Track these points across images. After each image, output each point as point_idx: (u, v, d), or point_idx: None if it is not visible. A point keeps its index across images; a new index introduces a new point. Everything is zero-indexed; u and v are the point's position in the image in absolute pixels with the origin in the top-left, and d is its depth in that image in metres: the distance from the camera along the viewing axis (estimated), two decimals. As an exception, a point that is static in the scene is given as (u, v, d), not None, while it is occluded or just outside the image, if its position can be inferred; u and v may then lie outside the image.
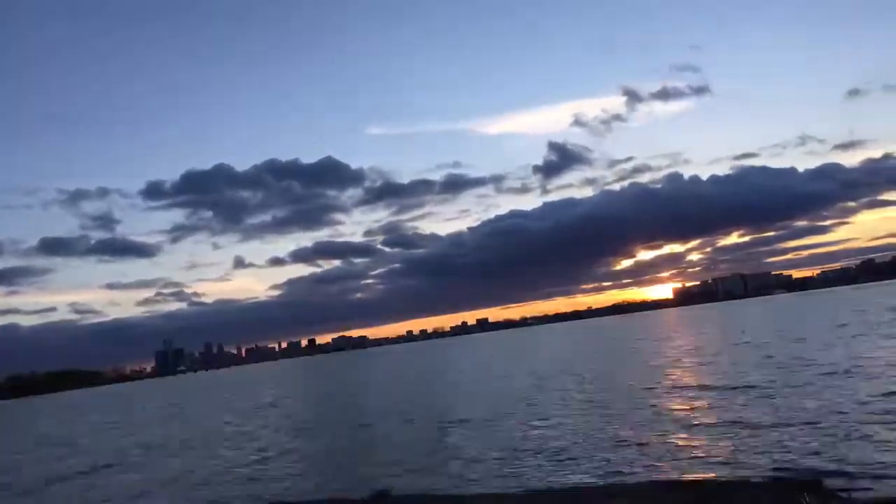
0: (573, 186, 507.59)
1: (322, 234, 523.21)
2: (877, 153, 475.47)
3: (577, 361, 43.61)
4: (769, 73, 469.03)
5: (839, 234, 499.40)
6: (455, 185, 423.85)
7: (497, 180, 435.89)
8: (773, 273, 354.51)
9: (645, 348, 48.31)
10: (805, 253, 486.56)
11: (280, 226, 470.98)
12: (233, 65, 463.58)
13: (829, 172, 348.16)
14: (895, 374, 19.55)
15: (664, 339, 57.12)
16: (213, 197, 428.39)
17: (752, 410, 16.72)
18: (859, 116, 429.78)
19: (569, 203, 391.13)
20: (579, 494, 10.97)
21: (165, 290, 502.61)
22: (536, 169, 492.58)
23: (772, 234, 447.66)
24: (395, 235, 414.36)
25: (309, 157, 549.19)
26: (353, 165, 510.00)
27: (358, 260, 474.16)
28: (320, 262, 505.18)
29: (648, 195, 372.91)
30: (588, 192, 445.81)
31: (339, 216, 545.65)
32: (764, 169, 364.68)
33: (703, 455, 12.92)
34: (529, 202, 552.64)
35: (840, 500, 9.10)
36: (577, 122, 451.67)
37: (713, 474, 11.44)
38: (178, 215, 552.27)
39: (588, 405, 21.42)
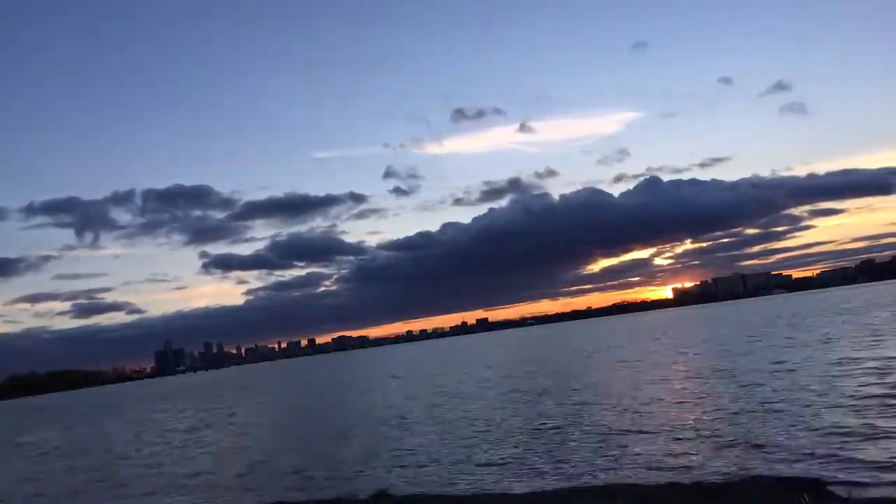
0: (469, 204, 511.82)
1: (225, 248, 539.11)
2: (743, 172, 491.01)
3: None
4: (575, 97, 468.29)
5: (803, 239, 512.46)
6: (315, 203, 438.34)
7: (357, 199, 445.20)
8: (773, 273, 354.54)
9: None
10: (773, 258, 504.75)
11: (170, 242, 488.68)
12: (95, 89, 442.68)
13: (744, 185, 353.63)
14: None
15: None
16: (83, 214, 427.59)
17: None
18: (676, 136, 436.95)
19: (492, 215, 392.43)
20: (579, 494, 10.98)
21: (84, 301, 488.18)
22: (391, 191, 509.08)
23: (726, 241, 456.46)
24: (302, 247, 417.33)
25: (184, 181, 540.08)
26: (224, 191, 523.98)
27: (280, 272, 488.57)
28: (236, 273, 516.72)
29: (574, 207, 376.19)
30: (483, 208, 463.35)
31: (237, 233, 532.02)
32: (677, 182, 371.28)
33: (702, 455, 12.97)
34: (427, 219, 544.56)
35: (840, 500, 9.09)
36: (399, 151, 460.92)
37: (713, 474, 11.47)
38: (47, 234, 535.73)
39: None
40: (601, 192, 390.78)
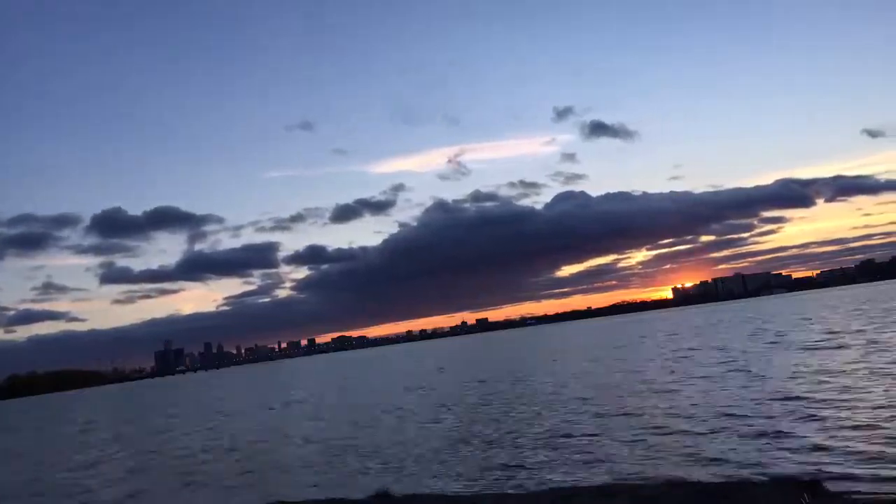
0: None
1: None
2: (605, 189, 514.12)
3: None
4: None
5: (772, 243, 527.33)
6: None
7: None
8: (773, 273, 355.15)
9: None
10: (749, 260, 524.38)
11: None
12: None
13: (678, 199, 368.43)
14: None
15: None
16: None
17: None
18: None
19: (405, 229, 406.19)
20: (579, 494, 10.97)
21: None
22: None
23: (683, 247, 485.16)
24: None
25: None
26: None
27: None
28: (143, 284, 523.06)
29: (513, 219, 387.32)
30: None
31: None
32: (607, 196, 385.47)
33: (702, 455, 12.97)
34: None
35: (840, 500, 9.10)
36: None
37: (713, 474, 11.47)
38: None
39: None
40: (515, 204, 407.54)
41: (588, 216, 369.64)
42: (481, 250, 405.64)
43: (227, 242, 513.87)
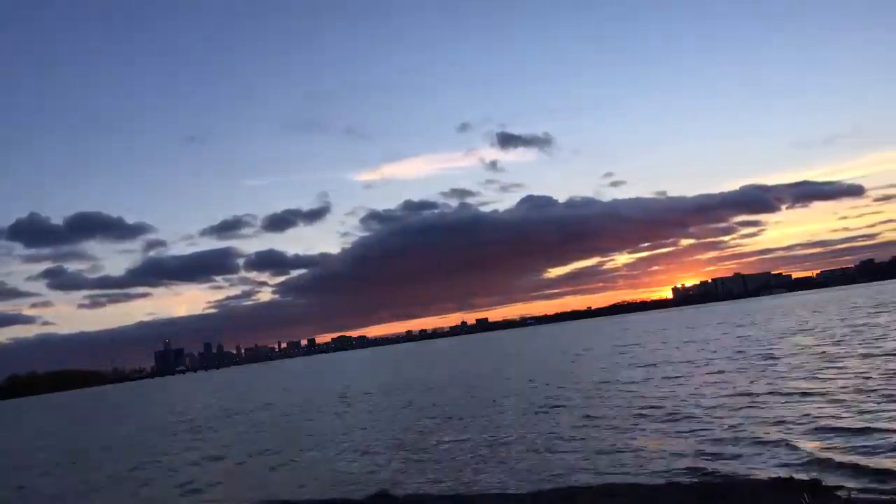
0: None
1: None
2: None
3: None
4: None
5: (754, 245, 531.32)
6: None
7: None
8: (773, 273, 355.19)
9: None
10: (736, 261, 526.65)
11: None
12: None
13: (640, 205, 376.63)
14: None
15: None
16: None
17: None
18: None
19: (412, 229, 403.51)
20: (579, 494, 10.98)
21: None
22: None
23: (665, 250, 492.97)
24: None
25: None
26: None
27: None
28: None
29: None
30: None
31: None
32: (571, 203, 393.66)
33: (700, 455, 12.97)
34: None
35: (840, 500, 9.10)
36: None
37: (713, 474, 11.47)
38: None
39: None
40: (478, 210, 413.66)
41: (556, 220, 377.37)
42: (455, 255, 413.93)
43: (173, 249, 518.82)
